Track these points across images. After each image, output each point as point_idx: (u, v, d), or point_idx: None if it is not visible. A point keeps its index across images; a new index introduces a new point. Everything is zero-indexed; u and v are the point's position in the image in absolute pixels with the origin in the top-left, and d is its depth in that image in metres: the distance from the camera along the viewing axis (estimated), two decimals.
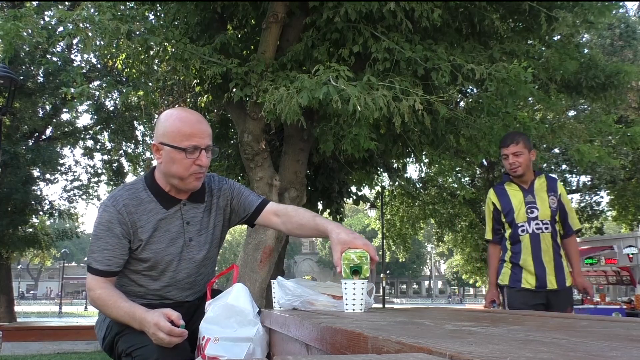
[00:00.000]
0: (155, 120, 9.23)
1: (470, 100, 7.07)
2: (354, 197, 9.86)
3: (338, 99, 4.61)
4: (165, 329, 1.56)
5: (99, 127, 14.42)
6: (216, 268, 2.08)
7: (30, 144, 13.95)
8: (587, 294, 4.14)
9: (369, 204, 15.16)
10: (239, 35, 7.14)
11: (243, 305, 1.62)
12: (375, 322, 1.06)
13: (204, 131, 1.76)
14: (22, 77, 11.50)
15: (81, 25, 5.13)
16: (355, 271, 1.49)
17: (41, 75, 13.07)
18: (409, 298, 57.31)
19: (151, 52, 5.99)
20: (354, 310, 1.46)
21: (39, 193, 14.44)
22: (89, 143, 14.91)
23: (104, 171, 14.81)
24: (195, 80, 6.63)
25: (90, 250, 1.77)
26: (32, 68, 12.58)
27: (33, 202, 13.75)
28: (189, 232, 1.84)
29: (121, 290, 1.79)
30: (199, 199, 1.88)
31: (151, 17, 6.91)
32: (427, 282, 64.86)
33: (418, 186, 14.90)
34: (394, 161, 9.69)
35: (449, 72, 5.26)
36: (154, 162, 1.90)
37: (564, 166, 15.99)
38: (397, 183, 12.81)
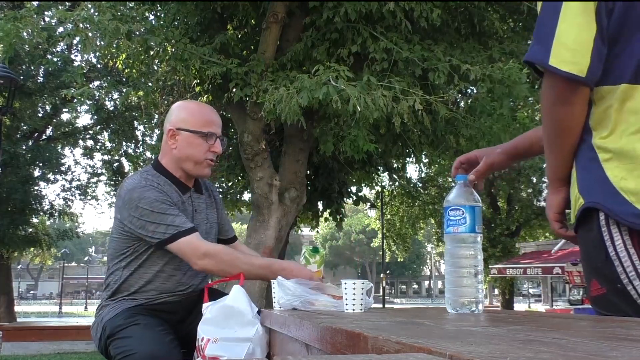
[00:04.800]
0: (155, 120, 9.23)
1: (470, 100, 7.08)
2: (354, 197, 9.87)
3: (338, 99, 4.61)
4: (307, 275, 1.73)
5: (99, 127, 14.42)
6: None
7: (30, 144, 13.96)
8: None
9: (369, 204, 15.17)
10: (239, 35, 7.15)
11: (241, 306, 1.62)
12: (375, 322, 1.06)
13: (218, 121, 1.90)
14: (22, 77, 11.49)
15: (81, 25, 5.14)
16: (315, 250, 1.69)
17: (41, 75, 13.07)
18: (409, 298, 57.29)
19: (151, 52, 6.00)
20: (353, 310, 1.46)
21: (39, 193, 14.44)
22: (89, 143, 14.91)
23: (104, 171, 14.82)
24: (195, 80, 6.63)
25: (166, 224, 1.72)
26: (32, 68, 12.58)
27: (33, 202, 13.75)
28: (196, 219, 1.90)
29: (132, 282, 1.81)
30: (199, 190, 1.96)
31: (151, 17, 6.92)
32: (427, 282, 64.87)
33: (418, 186, 14.90)
34: (394, 161, 9.70)
35: (446, 73, 5.26)
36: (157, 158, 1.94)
37: None
38: (397, 183, 12.82)
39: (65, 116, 14.65)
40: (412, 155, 8.38)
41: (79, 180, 15.34)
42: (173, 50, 5.63)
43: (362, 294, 1.47)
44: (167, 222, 1.73)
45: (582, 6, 1.07)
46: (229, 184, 9.31)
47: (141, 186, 1.77)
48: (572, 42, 1.07)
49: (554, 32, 1.08)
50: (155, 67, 6.98)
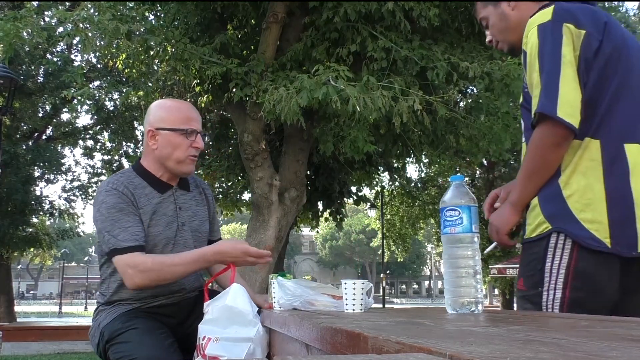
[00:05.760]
0: None
1: (470, 100, 7.08)
2: (354, 197, 9.87)
3: (337, 99, 4.61)
4: (253, 253, 1.72)
5: (99, 127, 14.41)
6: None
7: (30, 144, 13.95)
8: None
9: (369, 204, 15.18)
10: (239, 35, 7.15)
11: (242, 306, 1.62)
12: (375, 322, 1.06)
13: (197, 117, 1.89)
14: (22, 77, 11.48)
15: (81, 25, 5.14)
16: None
17: (41, 75, 13.06)
18: (409, 298, 57.28)
19: (151, 52, 6.00)
20: (353, 310, 1.46)
21: (39, 193, 14.44)
22: (89, 143, 14.90)
23: (104, 171, 14.81)
24: (195, 80, 6.63)
25: (111, 236, 1.70)
26: (32, 68, 12.57)
27: (33, 202, 13.74)
28: (181, 217, 1.87)
29: (117, 285, 1.78)
30: (186, 187, 1.93)
31: (151, 17, 6.92)
32: (427, 282, 64.85)
33: (418, 186, 14.90)
34: (394, 161, 9.70)
35: (444, 71, 5.26)
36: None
37: None
38: (397, 183, 12.82)
39: (65, 116, 14.64)
40: (412, 155, 8.38)
41: (79, 180, 15.35)
42: (173, 50, 5.63)
43: (362, 294, 1.47)
44: (113, 234, 1.70)
45: (573, 75, 1.42)
46: (229, 184, 9.32)
47: (106, 190, 1.76)
48: (572, 101, 1.40)
49: (558, 92, 1.41)
50: (155, 67, 6.98)
